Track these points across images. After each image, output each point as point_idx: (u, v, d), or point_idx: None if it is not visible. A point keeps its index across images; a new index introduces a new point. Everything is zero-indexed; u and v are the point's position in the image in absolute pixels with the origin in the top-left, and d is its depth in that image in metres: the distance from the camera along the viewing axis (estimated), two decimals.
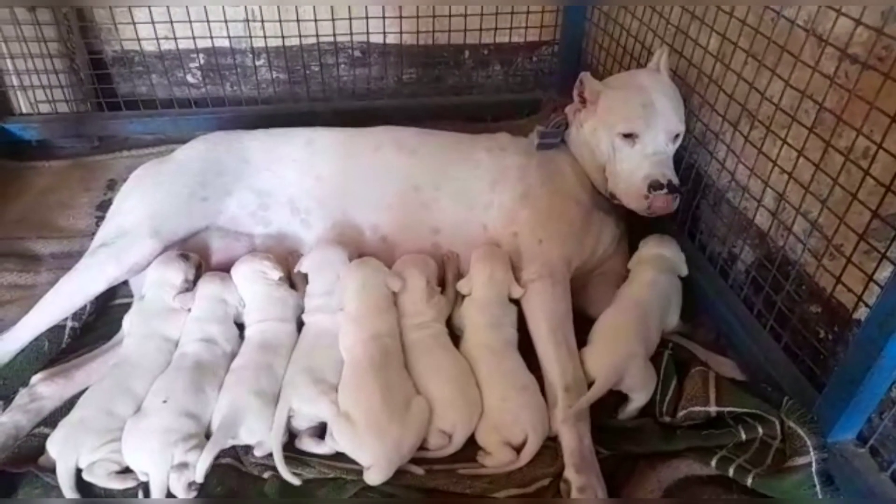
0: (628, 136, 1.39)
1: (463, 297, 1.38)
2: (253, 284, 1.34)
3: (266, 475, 1.10)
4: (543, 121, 1.58)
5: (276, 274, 1.35)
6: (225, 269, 1.43)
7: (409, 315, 1.31)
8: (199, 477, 1.05)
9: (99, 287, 1.33)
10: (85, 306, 1.36)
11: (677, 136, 1.43)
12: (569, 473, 1.08)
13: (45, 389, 1.18)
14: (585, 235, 1.45)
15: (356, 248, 1.44)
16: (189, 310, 1.31)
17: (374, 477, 1.06)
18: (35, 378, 1.20)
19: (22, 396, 1.17)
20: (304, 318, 1.33)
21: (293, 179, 1.50)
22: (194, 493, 1.06)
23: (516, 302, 1.34)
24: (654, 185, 1.34)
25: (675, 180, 1.37)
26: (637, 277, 1.41)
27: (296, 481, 1.07)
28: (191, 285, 1.35)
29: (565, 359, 1.22)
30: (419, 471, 1.10)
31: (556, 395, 1.18)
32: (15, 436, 1.12)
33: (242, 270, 1.36)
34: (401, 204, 1.48)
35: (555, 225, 1.42)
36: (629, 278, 1.42)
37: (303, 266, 1.38)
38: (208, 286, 1.33)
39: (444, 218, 1.48)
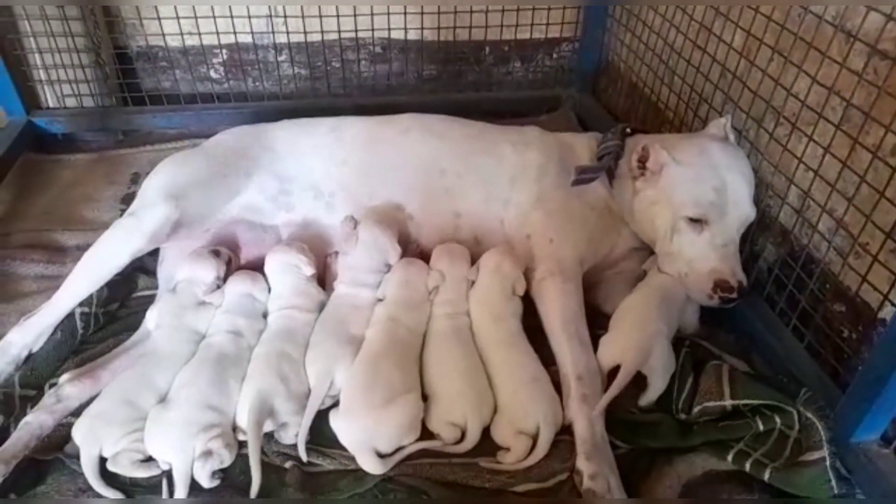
0: (695, 221, 1.28)
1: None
2: (284, 276, 1.36)
3: (288, 465, 1.11)
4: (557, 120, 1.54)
5: (310, 271, 1.36)
6: (255, 263, 1.45)
7: (445, 303, 1.32)
8: (255, 486, 1.05)
9: (124, 257, 1.33)
10: (91, 294, 1.36)
11: (749, 222, 1.32)
12: (580, 462, 1.07)
13: (72, 390, 1.19)
14: (599, 240, 1.44)
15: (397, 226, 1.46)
16: (220, 304, 1.33)
17: (362, 465, 1.09)
18: (63, 378, 1.21)
19: (49, 396, 1.18)
20: (339, 286, 1.35)
21: (318, 165, 1.51)
22: (217, 482, 1.08)
23: (526, 299, 1.34)
24: (723, 287, 1.25)
25: (744, 278, 1.27)
26: (655, 273, 1.38)
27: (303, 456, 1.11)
28: (222, 282, 1.36)
29: (578, 350, 1.22)
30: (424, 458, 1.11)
31: (569, 386, 1.18)
32: (39, 435, 1.12)
33: (276, 260, 1.37)
34: (426, 186, 1.49)
35: (566, 226, 1.40)
36: (648, 274, 1.40)
37: (354, 240, 1.39)
38: (239, 284, 1.34)
39: (465, 205, 1.48)
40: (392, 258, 1.38)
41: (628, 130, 1.50)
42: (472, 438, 1.13)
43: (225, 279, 1.37)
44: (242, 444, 1.12)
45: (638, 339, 1.20)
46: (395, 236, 1.40)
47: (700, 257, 1.29)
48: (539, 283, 1.33)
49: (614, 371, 1.20)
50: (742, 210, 1.29)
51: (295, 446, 1.13)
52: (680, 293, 1.32)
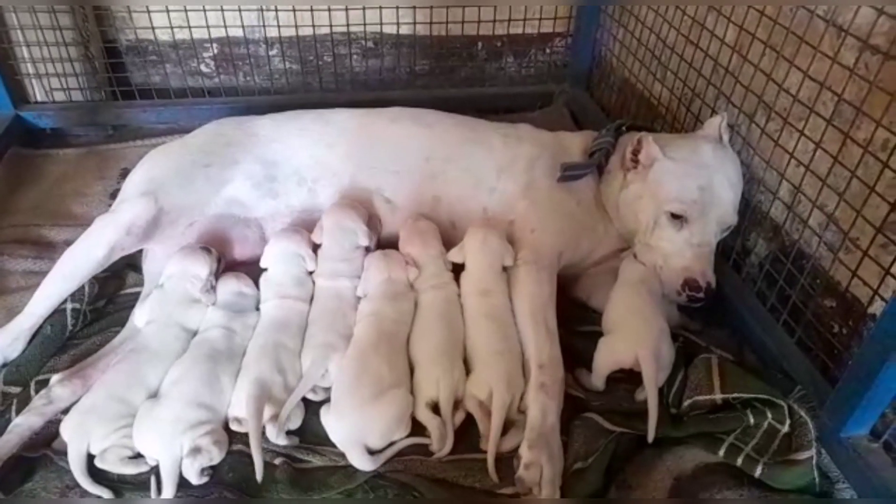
0: (676, 218, 1.30)
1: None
2: (286, 264, 1.36)
3: (278, 461, 1.10)
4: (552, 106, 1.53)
5: (313, 265, 1.37)
6: (240, 261, 1.44)
7: (429, 278, 1.33)
8: (258, 474, 1.05)
9: (101, 252, 1.31)
10: (84, 288, 1.36)
11: (728, 227, 1.34)
12: (522, 449, 1.07)
13: (63, 391, 1.18)
14: (582, 236, 1.44)
15: (367, 209, 1.47)
16: (213, 302, 1.32)
17: (352, 462, 1.09)
18: (53, 379, 1.20)
19: (40, 398, 1.17)
20: (318, 279, 1.35)
21: (303, 148, 1.51)
22: (206, 479, 1.07)
23: None
24: (691, 285, 1.28)
25: (713, 281, 1.29)
26: (629, 266, 1.38)
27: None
28: (214, 279, 1.35)
29: (543, 339, 1.22)
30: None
31: (530, 372, 1.19)
32: (28, 436, 1.12)
33: (281, 248, 1.36)
34: (409, 171, 1.49)
35: (550, 218, 1.41)
36: (622, 267, 1.38)
37: (320, 230, 1.40)
38: (227, 284, 1.34)
39: (448, 190, 1.49)
40: (361, 239, 1.38)
41: (623, 128, 1.50)
42: (444, 400, 1.14)
43: (215, 277, 1.36)
44: (231, 442, 1.12)
45: (648, 340, 1.19)
46: (363, 217, 1.40)
47: (675, 254, 1.31)
48: (514, 268, 1.34)
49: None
50: (723, 213, 1.31)
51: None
52: (658, 284, 1.32)
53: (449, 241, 1.41)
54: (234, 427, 1.14)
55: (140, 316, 1.31)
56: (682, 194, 1.30)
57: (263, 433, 1.13)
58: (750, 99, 1.38)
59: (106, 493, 1.05)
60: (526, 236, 1.39)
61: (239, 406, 1.13)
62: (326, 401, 1.17)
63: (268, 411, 1.13)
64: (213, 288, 1.33)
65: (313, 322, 1.28)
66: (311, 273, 1.37)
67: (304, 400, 1.18)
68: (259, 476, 1.05)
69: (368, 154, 1.51)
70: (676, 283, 1.30)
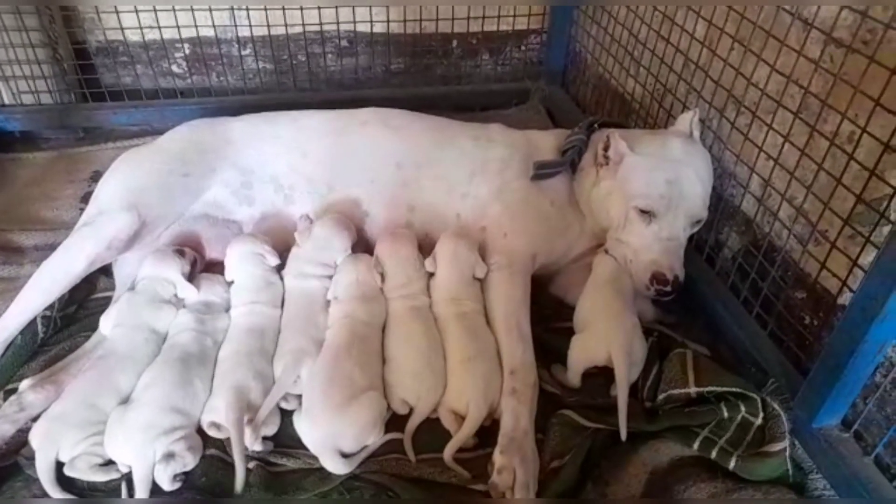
0: (645, 213, 1.31)
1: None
2: (248, 266, 1.34)
3: (251, 465, 1.09)
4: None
5: (275, 261, 1.35)
6: (220, 261, 1.42)
7: (398, 288, 1.32)
8: (238, 483, 1.04)
9: (80, 266, 1.29)
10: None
11: (698, 221, 1.35)
12: (495, 454, 1.08)
13: (35, 398, 1.16)
14: (556, 237, 1.44)
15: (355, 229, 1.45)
16: (183, 304, 1.30)
17: (326, 465, 1.08)
18: (24, 385, 1.18)
19: (11, 405, 1.15)
20: (286, 278, 1.34)
21: (278, 156, 1.49)
22: (178, 485, 1.06)
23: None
24: (659, 279, 1.28)
25: (682, 274, 1.30)
26: (600, 263, 1.38)
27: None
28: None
29: (515, 344, 1.22)
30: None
31: (503, 378, 1.19)
32: None
33: (240, 250, 1.35)
34: (382, 179, 1.48)
35: (523, 221, 1.40)
36: (594, 263, 1.39)
37: (307, 234, 1.38)
38: (199, 286, 1.32)
39: (422, 198, 1.47)
40: (340, 260, 1.37)
41: (595, 125, 1.50)
42: (419, 413, 1.14)
43: (190, 279, 1.34)
44: (205, 446, 1.11)
45: (620, 337, 1.19)
46: (351, 240, 1.39)
47: (643, 248, 1.31)
48: (487, 273, 1.34)
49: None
50: (692, 207, 1.31)
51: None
52: (629, 280, 1.32)
53: (424, 252, 1.39)
54: (211, 433, 1.12)
55: (105, 323, 1.29)
56: (650, 189, 1.30)
57: None
58: (720, 93, 1.39)
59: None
60: (499, 241, 1.38)
61: (216, 412, 1.12)
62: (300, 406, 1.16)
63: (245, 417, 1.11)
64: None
65: (285, 325, 1.27)
66: (275, 268, 1.36)
67: (278, 406, 1.17)
68: (239, 485, 1.03)
69: (342, 161, 1.49)
70: (645, 277, 1.30)
